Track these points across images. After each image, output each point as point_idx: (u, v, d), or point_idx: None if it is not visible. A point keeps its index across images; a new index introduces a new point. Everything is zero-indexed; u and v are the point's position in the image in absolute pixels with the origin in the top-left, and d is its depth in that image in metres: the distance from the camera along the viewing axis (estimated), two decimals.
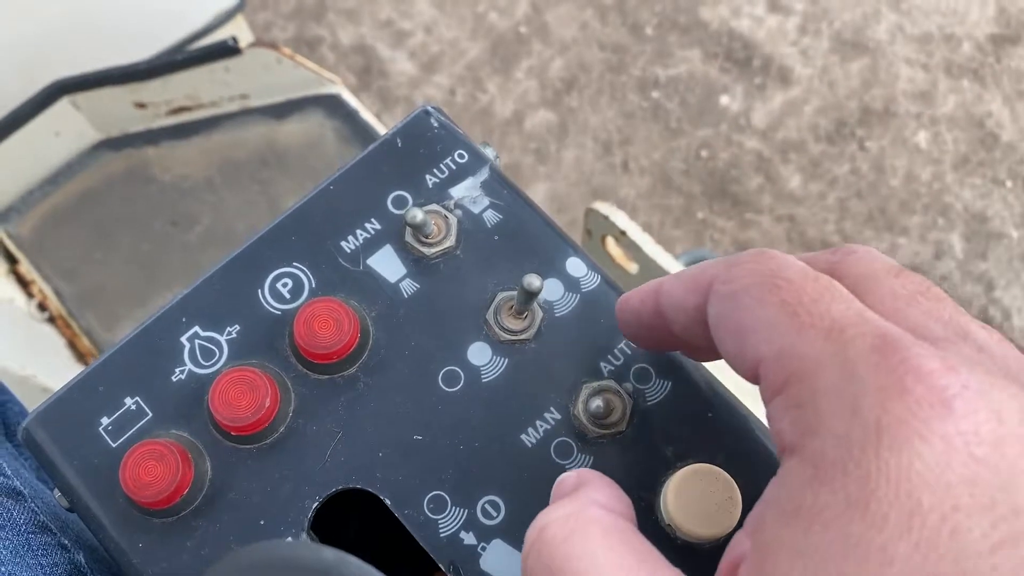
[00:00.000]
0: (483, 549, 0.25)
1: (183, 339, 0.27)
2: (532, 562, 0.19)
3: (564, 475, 0.22)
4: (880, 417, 0.16)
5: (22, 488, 0.32)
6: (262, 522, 0.26)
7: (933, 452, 0.16)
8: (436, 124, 0.30)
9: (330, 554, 0.17)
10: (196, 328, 0.27)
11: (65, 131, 0.80)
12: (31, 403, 0.30)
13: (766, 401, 0.19)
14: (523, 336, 0.27)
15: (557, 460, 0.26)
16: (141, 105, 0.80)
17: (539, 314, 0.28)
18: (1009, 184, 1.20)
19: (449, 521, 0.26)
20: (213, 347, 0.27)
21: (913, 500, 0.15)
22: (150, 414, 0.27)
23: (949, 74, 1.26)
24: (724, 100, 1.24)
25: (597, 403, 0.26)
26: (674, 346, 0.24)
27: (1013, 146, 1.21)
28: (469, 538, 0.26)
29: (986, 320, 1.12)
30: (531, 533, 0.19)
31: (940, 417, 0.16)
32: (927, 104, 1.24)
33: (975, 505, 0.15)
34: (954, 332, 0.19)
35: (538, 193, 1.16)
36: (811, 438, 0.17)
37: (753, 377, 0.19)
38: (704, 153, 1.21)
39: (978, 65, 1.26)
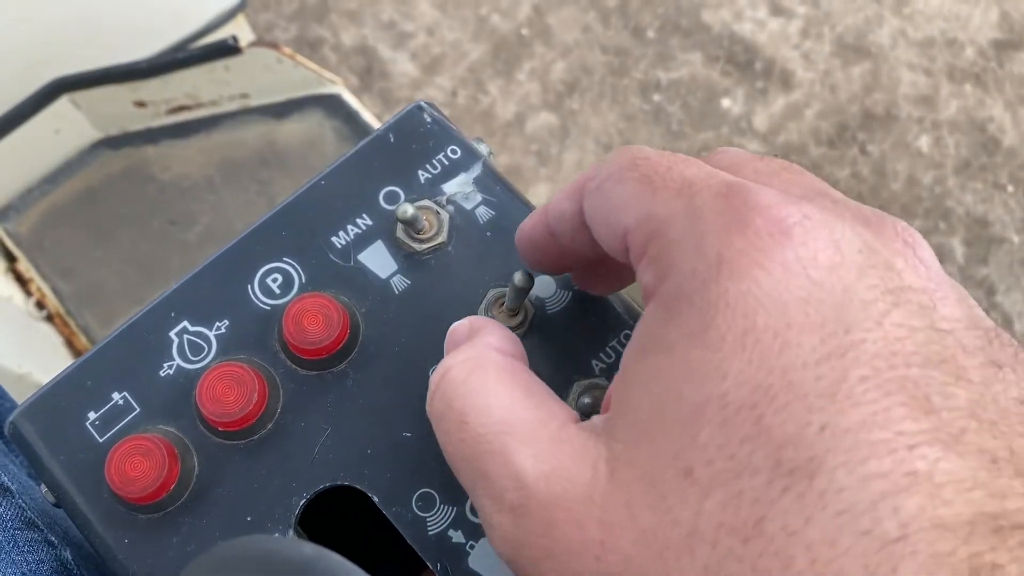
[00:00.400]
0: (471, 548, 0.25)
1: (172, 334, 0.27)
2: (437, 403, 0.21)
3: (456, 323, 0.24)
4: (721, 251, 0.17)
5: (10, 484, 0.32)
6: (249, 518, 0.25)
7: (771, 278, 0.17)
8: (429, 119, 0.30)
9: (310, 549, 0.17)
10: (185, 323, 0.27)
11: (65, 129, 0.80)
12: None
13: (635, 268, 0.20)
14: (516, 332, 0.27)
15: None
16: (141, 104, 0.80)
17: (531, 311, 0.28)
18: (1010, 189, 1.19)
19: (437, 519, 0.25)
20: (202, 342, 0.27)
21: (748, 321, 0.16)
22: (138, 409, 0.26)
23: (951, 79, 1.26)
24: (726, 103, 1.24)
25: (587, 400, 0.26)
26: (569, 263, 0.25)
27: (1015, 151, 1.21)
28: (457, 536, 0.25)
29: None
30: (435, 377, 0.21)
31: (779, 245, 0.17)
32: (929, 108, 1.24)
33: (808, 323, 0.16)
34: (814, 192, 0.20)
35: (539, 195, 1.16)
36: (664, 282, 0.18)
37: (625, 253, 0.20)
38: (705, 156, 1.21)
39: (980, 70, 1.26)
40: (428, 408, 0.21)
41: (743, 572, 0.15)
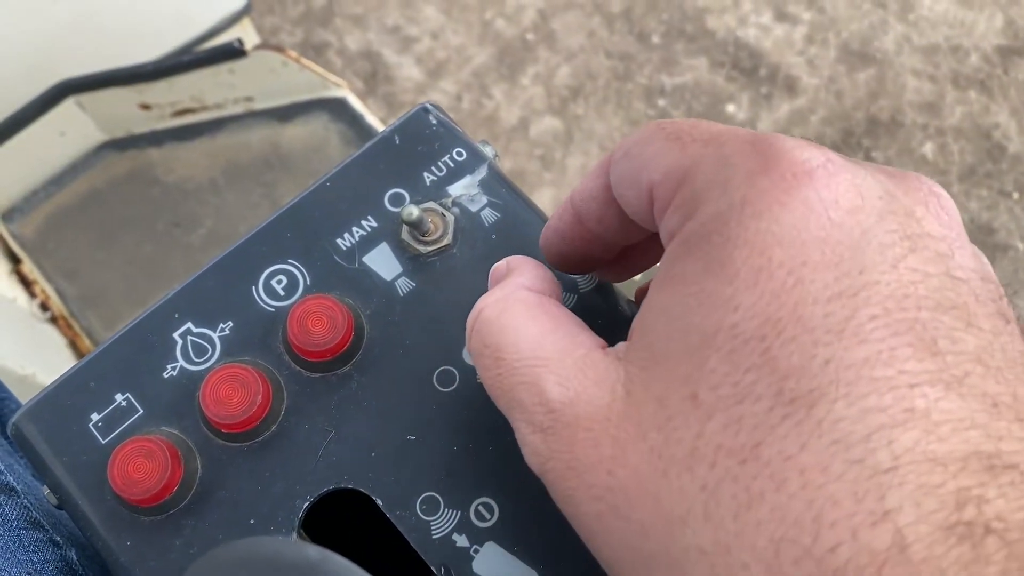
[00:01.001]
0: (476, 552, 0.25)
1: (175, 335, 0.27)
2: (474, 342, 0.22)
3: (497, 264, 0.25)
4: (746, 192, 0.17)
5: (15, 484, 0.32)
6: (252, 521, 0.25)
7: (792, 215, 0.17)
8: (435, 121, 0.30)
9: (314, 552, 0.16)
10: (189, 324, 0.27)
11: (70, 131, 0.80)
12: None
13: (659, 223, 0.20)
14: None
15: None
16: (146, 106, 0.80)
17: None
18: (1016, 196, 1.19)
19: (442, 523, 0.25)
20: (206, 344, 0.27)
21: (764, 257, 0.17)
22: (141, 410, 0.26)
23: (956, 85, 1.26)
24: (730, 109, 1.23)
25: None
26: (595, 254, 0.25)
27: (1020, 158, 1.21)
28: (462, 540, 0.25)
29: None
30: (470, 318, 0.23)
31: (801, 185, 0.17)
32: (934, 115, 1.24)
33: (823, 262, 0.17)
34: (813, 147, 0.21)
35: (543, 199, 1.16)
36: (686, 223, 0.19)
37: (651, 209, 0.21)
38: None
39: (985, 76, 1.26)
40: (467, 346, 0.23)
41: (737, 492, 0.16)
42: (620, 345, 0.21)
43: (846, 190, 0.17)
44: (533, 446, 0.20)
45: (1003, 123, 1.23)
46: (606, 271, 0.27)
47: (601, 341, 0.21)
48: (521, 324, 0.21)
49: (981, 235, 1.17)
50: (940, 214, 0.18)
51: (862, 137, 1.22)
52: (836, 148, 1.21)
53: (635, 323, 0.20)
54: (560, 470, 0.19)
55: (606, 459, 0.18)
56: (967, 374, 0.16)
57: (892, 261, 0.17)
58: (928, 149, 1.22)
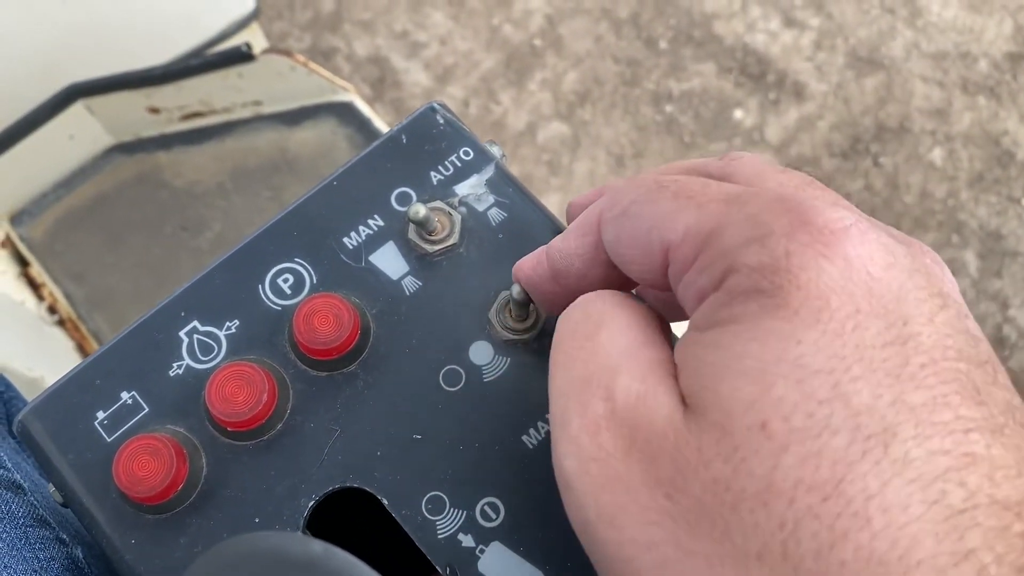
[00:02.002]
0: (481, 552, 0.25)
1: (182, 333, 0.27)
2: (577, 310, 0.22)
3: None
4: (788, 246, 0.18)
5: (22, 481, 0.32)
6: (257, 520, 0.25)
7: (836, 268, 0.18)
8: (442, 121, 0.30)
9: (318, 546, 0.16)
10: (195, 322, 0.27)
11: (79, 135, 0.80)
12: None
13: (676, 283, 0.21)
14: (526, 336, 0.27)
15: None
16: (154, 110, 0.80)
17: (542, 315, 0.27)
18: None
19: (447, 522, 0.25)
20: (212, 342, 0.27)
21: (822, 300, 0.17)
22: (146, 408, 0.26)
23: (965, 91, 1.26)
24: (738, 114, 1.23)
25: None
26: (564, 304, 0.25)
27: None
28: (467, 540, 0.25)
29: (1000, 339, 1.11)
30: (582, 297, 0.22)
31: (840, 242, 0.18)
32: (942, 121, 1.23)
33: (872, 311, 0.17)
34: (842, 206, 0.21)
35: (550, 205, 1.16)
36: (728, 276, 0.19)
37: (662, 274, 0.21)
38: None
39: (994, 83, 1.25)
40: (564, 313, 0.22)
41: (819, 530, 0.16)
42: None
43: (878, 248, 0.18)
44: (575, 435, 0.19)
45: (1012, 129, 1.22)
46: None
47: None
48: (630, 321, 0.21)
49: (990, 241, 1.17)
50: (949, 277, 0.19)
51: (870, 143, 1.22)
52: (844, 154, 1.21)
53: (676, 357, 0.20)
54: (604, 479, 0.19)
55: (665, 481, 0.18)
56: (1003, 425, 0.17)
57: (928, 315, 0.18)
58: (936, 155, 1.21)
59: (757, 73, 1.26)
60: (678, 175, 0.21)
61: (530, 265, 0.25)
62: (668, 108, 1.24)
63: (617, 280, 0.23)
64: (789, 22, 1.29)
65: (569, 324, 0.22)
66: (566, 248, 0.24)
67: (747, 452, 0.17)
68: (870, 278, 0.18)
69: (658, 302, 0.26)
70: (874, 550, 0.15)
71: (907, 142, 1.22)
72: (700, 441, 0.17)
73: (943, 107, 1.24)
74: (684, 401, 0.19)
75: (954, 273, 1.16)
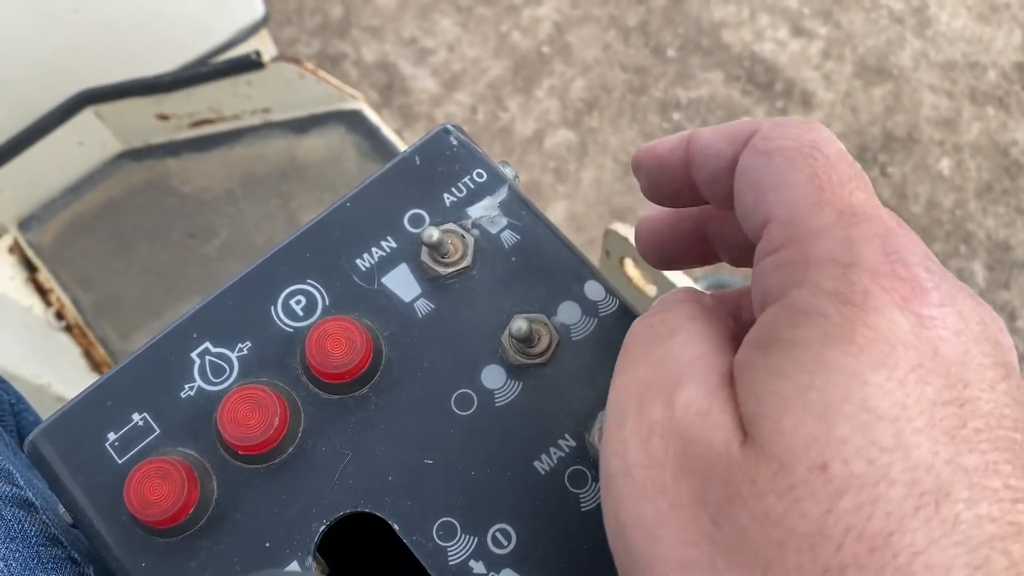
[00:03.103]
0: None
1: (193, 355, 0.27)
2: (654, 317, 0.22)
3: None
4: (868, 285, 0.18)
5: (34, 499, 0.32)
6: (267, 544, 0.25)
7: (908, 322, 0.18)
8: (455, 143, 0.30)
9: None
10: (207, 344, 0.27)
11: (88, 141, 0.80)
12: (46, 412, 0.30)
13: (757, 261, 0.20)
14: (538, 360, 0.27)
15: (571, 489, 0.26)
16: (164, 117, 0.80)
17: (555, 338, 0.27)
18: None
19: (459, 549, 0.25)
20: (224, 364, 0.27)
21: (889, 346, 0.17)
22: (157, 430, 0.26)
23: (974, 101, 1.25)
24: None
25: None
26: (690, 199, 0.25)
27: None
28: (479, 567, 0.25)
29: None
30: (660, 305, 0.22)
31: (919, 299, 0.18)
32: (951, 131, 1.23)
33: (935, 369, 0.18)
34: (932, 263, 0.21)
35: (557, 212, 1.16)
36: (796, 289, 0.19)
37: (757, 234, 0.21)
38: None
39: (1003, 93, 1.25)
40: (638, 320, 0.22)
41: None
42: None
43: (952, 313, 0.18)
44: (625, 436, 0.19)
45: (1021, 140, 1.22)
46: (644, 247, 0.27)
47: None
48: (703, 331, 0.21)
49: (998, 252, 1.16)
50: (1013, 349, 0.20)
51: (878, 152, 1.22)
52: None
53: (735, 375, 0.19)
54: (648, 487, 0.18)
55: (712, 503, 0.17)
56: None
57: (990, 383, 0.18)
58: (945, 165, 1.21)
59: (765, 82, 1.25)
60: (833, 152, 0.20)
61: (669, 146, 0.24)
62: (676, 116, 1.24)
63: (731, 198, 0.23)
64: (797, 31, 1.29)
65: (642, 327, 0.22)
66: (710, 144, 0.23)
67: (803, 492, 0.17)
68: (939, 339, 0.18)
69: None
70: None
71: (915, 152, 1.22)
72: (756, 472, 0.17)
73: (951, 117, 1.24)
74: (742, 427, 0.18)
75: None
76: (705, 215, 0.27)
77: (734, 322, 0.23)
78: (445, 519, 0.25)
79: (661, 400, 0.19)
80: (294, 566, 0.25)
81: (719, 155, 0.22)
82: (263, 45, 0.85)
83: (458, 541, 0.25)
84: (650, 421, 0.19)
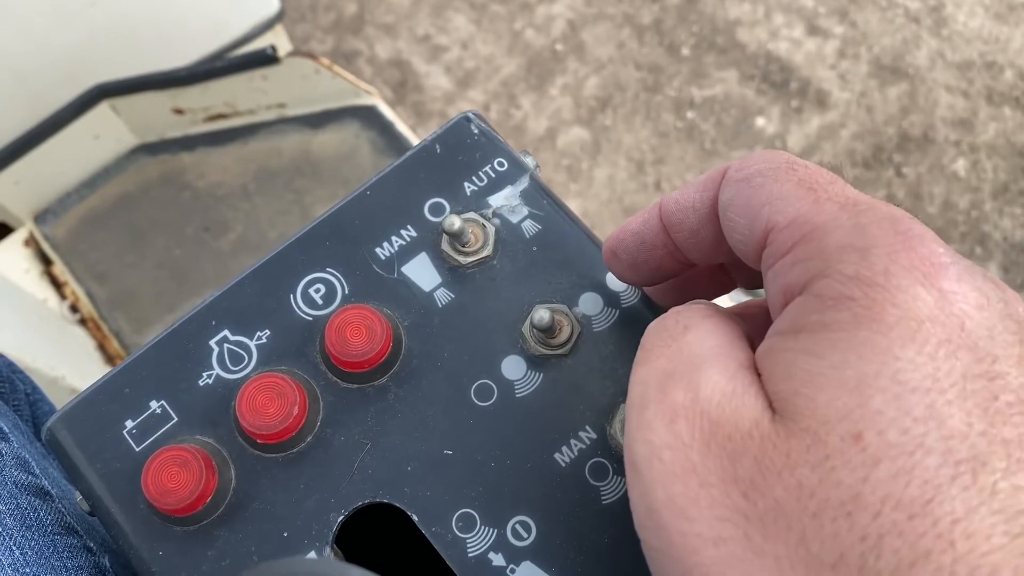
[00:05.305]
0: (512, 571, 0.24)
1: (212, 343, 0.27)
2: (668, 317, 0.22)
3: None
4: (888, 265, 0.18)
5: (50, 488, 0.32)
6: (285, 534, 0.25)
7: (932, 297, 0.18)
8: (476, 131, 0.29)
9: (356, 574, 0.16)
10: (226, 332, 0.27)
11: (104, 135, 0.80)
12: (60, 404, 0.30)
13: (768, 268, 0.21)
14: (560, 351, 0.27)
15: (592, 481, 0.25)
16: (179, 111, 0.80)
17: (577, 329, 0.27)
18: None
19: (478, 541, 0.25)
20: (242, 352, 0.27)
21: (917, 322, 0.17)
22: (175, 418, 0.26)
23: (990, 102, 1.24)
24: (760, 122, 1.22)
25: None
26: (672, 267, 0.25)
27: None
28: (498, 559, 0.25)
29: None
30: (672, 310, 0.22)
31: (939, 275, 0.18)
32: (967, 131, 1.22)
33: (963, 344, 0.18)
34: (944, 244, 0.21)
35: None
36: (819, 279, 0.19)
37: (758, 250, 0.21)
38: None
39: (1020, 93, 1.24)
40: (654, 322, 0.22)
41: (901, 547, 0.16)
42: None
43: (972, 289, 0.18)
44: (651, 419, 0.19)
45: None
46: (662, 292, 0.27)
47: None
48: (722, 328, 0.21)
49: (1014, 254, 1.15)
50: None
51: (893, 152, 1.21)
52: (867, 163, 1.20)
53: (761, 365, 0.20)
54: (677, 468, 0.18)
55: (744, 479, 0.18)
56: None
57: (1017, 359, 0.18)
58: (960, 166, 1.20)
59: (780, 81, 1.25)
60: (809, 164, 0.21)
61: (640, 220, 0.25)
62: (690, 115, 1.23)
63: (724, 251, 0.23)
64: (813, 30, 1.28)
65: (657, 326, 0.22)
66: (684, 200, 0.23)
67: (838, 461, 0.17)
68: (963, 314, 0.18)
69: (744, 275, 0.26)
70: (954, 573, 0.16)
71: (930, 152, 1.21)
72: (789, 446, 0.17)
73: (967, 117, 1.23)
74: (771, 405, 0.18)
75: None
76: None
77: (746, 325, 0.23)
78: (464, 510, 0.25)
79: (683, 385, 0.19)
80: (312, 556, 0.25)
81: (695, 206, 0.23)
82: (278, 41, 0.85)
83: (477, 533, 0.25)
84: (674, 404, 0.19)
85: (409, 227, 0.28)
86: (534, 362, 0.27)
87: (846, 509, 0.16)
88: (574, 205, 1.16)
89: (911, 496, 0.16)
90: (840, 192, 0.20)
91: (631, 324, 0.27)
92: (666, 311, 0.25)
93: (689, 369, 0.20)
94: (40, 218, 0.81)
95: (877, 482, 0.16)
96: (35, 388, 0.39)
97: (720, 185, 0.23)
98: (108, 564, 0.31)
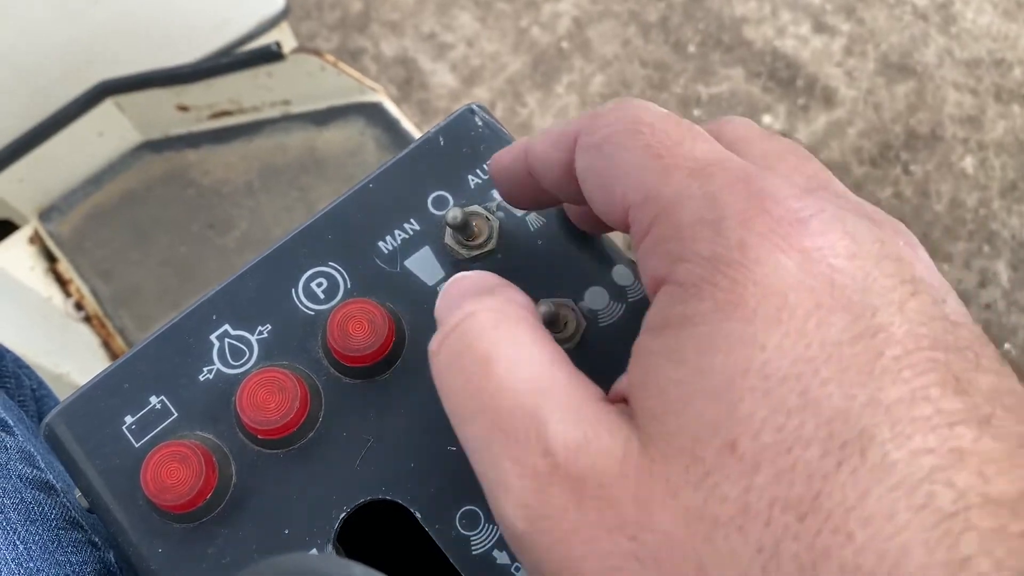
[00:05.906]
0: (516, 570, 0.24)
1: (213, 337, 0.26)
2: (453, 342, 0.19)
3: (461, 274, 0.22)
4: (743, 236, 0.17)
5: (55, 482, 0.32)
6: (287, 531, 0.24)
7: (793, 261, 0.17)
8: (481, 123, 0.29)
9: (359, 571, 0.16)
10: (226, 326, 0.27)
11: (108, 132, 0.80)
12: None
13: (635, 247, 0.19)
14: (565, 346, 0.26)
15: None
16: (184, 108, 0.80)
17: (582, 324, 0.26)
18: None
19: (482, 538, 0.24)
20: (243, 346, 0.26)
21: (780, 298, 0.16)
22: (175, 414, 0.26)
23: (998, 99, 1.23)
24: (767, 120, 1.22)
25: None
26: (551, 202, 0.24)
27: None
28: (502, 557, 0.24)
29: None
30: (450, 319, 0.19)
31: (798, 233, 0.17)
32: (975, 129, 1.21)
33: (835, 304, 0.16)
34: (817, 184, 0.20)
35: None
36: (678, 265, 0.18)
37: (625, 228, 0.20)
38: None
39: None
40: (434, 349, 0.20)
41: (800, 551, 0.15)
42: (614, 394, 0.19)
43: (840, 238, 0.17)
44: (521, 498, 0.17)
45: None
46: (578, 215, 0.26)
47: (602, 392, 0.19)
48: (525, 341, 0.19)
49: (1022, 252, 1.14)
50: (925, 260, 0.18)
51: (900, 150, 1.20)
52: (874, 161, 1.19)
53: (632, 371, 0.18)
54: (559, 533, 0.17)
55: (628, 523, 0.16)
56: (991, 414, 0.16)
57: (898, 304, 0.17)
58: (968, 163, 1.19)
59: (786, 78, 1.24)
60: (656, 119, 0.19)
61: (510, 157, 0.24)
62: (696, 112, 1.22)
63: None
64: (820, 27, 1.28)
65: (447, 358, 0.19)
66: (544, 155, 0.22)
67: (719, 476, 0.16)
68: (831, 269, 0.17)
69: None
70: (860, 566, 0.14)
71: (938, 150, 1.20)
72: (667, 471, 0.16)
73: (976, 115, 1.22)
74: (639, 426, 0.17)
75: (985, 284, 1.14)
76: None
77: None
78: (468, 508, 0.25)
79: (534, 450, 0.17)
80: (314, 553, 0.24)
81: (555, 164, 0.22)
82: (283, 38, 0.84)
83: (481, 530, 0.24)
84: (536, 474, 0.17)
85: (412, 220, 0.28)
86: None
87: (736, 524, 0.15)
88: None
89: (797, 495, 0.15)
90: (688, 154, 0.19)
91: (638, 319, 0.27)
92: None
93: (529, 425, 0.17)
94: (45, 215, 0.81)
95: (761, 489, 0.15)
96: (41, 383, 0.39)
97: (573, 147, 0.21)
98: (113, 559, 0.30)
